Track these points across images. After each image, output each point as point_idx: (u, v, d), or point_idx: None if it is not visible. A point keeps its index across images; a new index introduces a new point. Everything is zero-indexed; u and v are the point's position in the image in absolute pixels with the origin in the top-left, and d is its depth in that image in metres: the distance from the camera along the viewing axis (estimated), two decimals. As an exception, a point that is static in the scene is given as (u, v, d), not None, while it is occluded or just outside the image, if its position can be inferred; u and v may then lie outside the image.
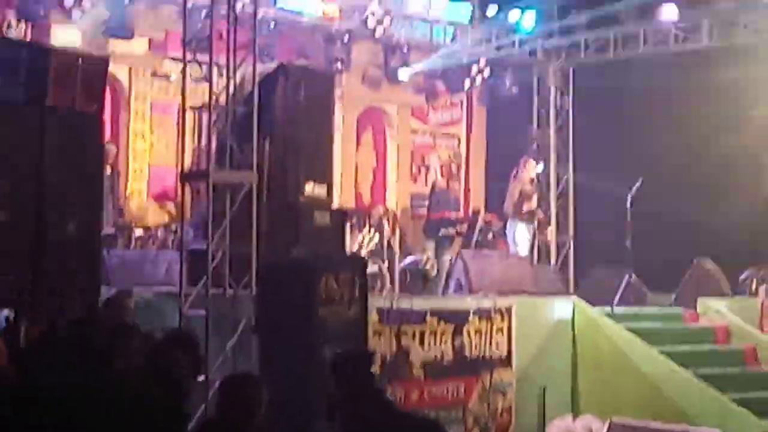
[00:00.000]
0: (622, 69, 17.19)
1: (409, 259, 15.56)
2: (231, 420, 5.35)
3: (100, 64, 9.06)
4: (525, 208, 15.33)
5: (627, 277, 14.68)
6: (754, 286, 15.37)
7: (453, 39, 18.19)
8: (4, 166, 8.17)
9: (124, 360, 5.65)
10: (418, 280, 14.93)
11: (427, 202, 17.15)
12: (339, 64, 16.41)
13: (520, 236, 15.49)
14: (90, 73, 8.69)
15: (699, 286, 15.10)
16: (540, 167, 16.77)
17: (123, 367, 5.60)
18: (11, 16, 14.40)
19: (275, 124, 11.39)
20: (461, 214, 17.03)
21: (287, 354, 9.45)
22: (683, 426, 11.75)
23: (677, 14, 16.40)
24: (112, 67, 12.85)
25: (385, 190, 19.08)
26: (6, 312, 7.51)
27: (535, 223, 15.89)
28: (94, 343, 6.09)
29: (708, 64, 16.37)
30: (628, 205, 15.04)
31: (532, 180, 15.72)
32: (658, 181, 15.52)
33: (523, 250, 15.49)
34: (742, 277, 15.61)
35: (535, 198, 15.51)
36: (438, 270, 15.14)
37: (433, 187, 17.88)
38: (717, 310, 14.53)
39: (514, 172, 15.84)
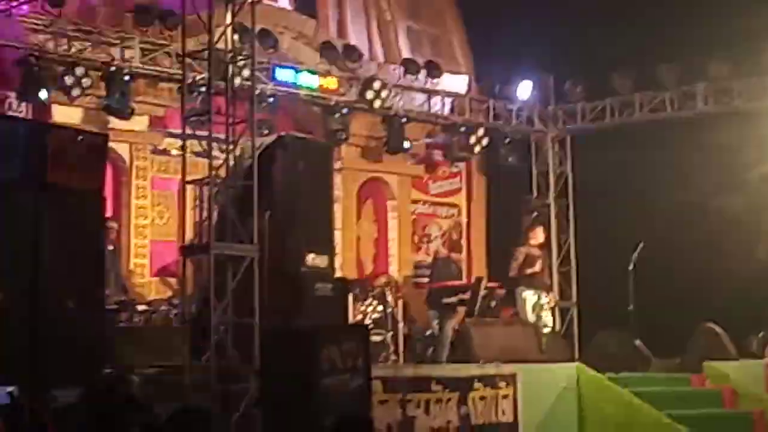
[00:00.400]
0: (619, 134, 17.31)
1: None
2: None
3: (100, 139, 9.11)
4: (528, 271, 15.28)
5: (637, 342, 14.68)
6: (755, 347, 15.33)
7: (451, 110, 18.33)
8: (0, 245, 8.17)
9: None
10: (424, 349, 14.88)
11: (429, 272, 17.13)
12: (338, 136, 16.49)
13: (528, 303, 15.38)
14: (90, 150, 8.73)
15: (705, 350, 15.02)
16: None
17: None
18: (12, 97, 14.55)
19: (275, 196, 11.46)
20: (464, 282, 17.00)
21: (291, 427, 9.41)
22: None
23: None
24: (113, 144, 12.97)
25: (387, 260, 19.08)
26: (10, 388, 7.50)
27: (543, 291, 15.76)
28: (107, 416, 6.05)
29: (704, 127, 16.48)
30: (630, 268, 15.05)
31: (540, 246, 15.66)
32: (659, 244, 15.53)
33: (531, 317, 15.36)
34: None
35: (539, 263, 15.44)
36: (442, 339, 15.08)
37: (435, 257, 17.90)
38: (724, 374, 14.45)
39: (523, 238, 15.88)
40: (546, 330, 15.17)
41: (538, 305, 15.28)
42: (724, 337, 15.28)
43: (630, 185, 16.69)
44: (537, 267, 15.40)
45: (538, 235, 15.72)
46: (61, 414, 7.61)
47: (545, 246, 15.90)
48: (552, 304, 15.83)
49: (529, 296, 15.33)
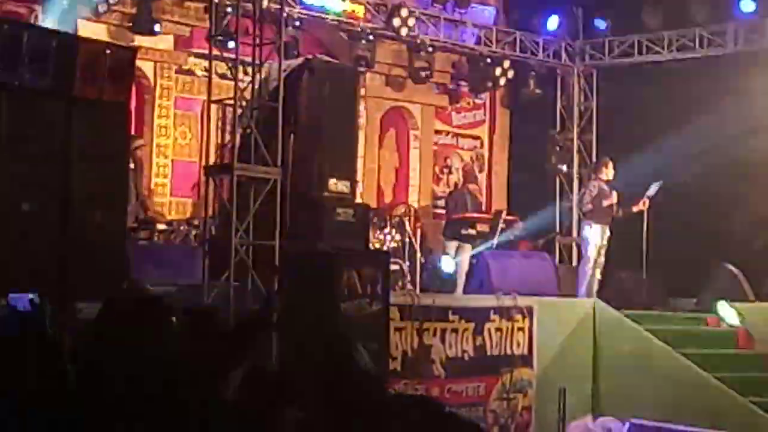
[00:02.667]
0: (645, 72, 17.18)
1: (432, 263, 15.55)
2: None
3: (128, 54, 9.10)
4: (605, 203, 15.10)
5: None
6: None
7: (477, 41, 18.21)
8: (31, 155, 8.21)
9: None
10: (438, 279, 14.91)
11: (449, 203, 17.12)
12: (363, 63, 16.41)
13: (594, 237, 15.27)
14: (118, 64, 8.72)
15: (722, 290, 15.03)
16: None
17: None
18: (38, 11, 14.50)
19: (300, 119, 11.43)
20: (483, 214, 16.99)
21: (309, 349, 9.45)
22: (703, 429, 11.73)
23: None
24: (138, 62, 12.93)
25: (407, 190, 19.07)
26: (30, 295, 7.54)
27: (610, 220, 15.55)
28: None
29: (733, 69, 16.35)
30: (646, 207, 15.01)
31: (608, 181, 15.46)
32: (680, 184, 15.48)
33: (593, 253, 15.23)
34: None
35: (614, 194, 15.24)
36: (459, 269, 15.11)
37: (455, 188, 17.88)
38: (739, 314, 14.47)
39: (593, 172, 15.75)
40: (599, 272, 15.11)
41: (602, 244, 15.17)
42: (741, 278, 15.28)
43: (654, 123, 16.57)
44: (613, 198, 15.19)
45: (609, 170, 15.48)
46: (82, 327, 7.65)
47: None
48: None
49: (597, 232, 15.17)
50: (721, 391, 12.54)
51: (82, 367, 4.71)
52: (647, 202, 15.01)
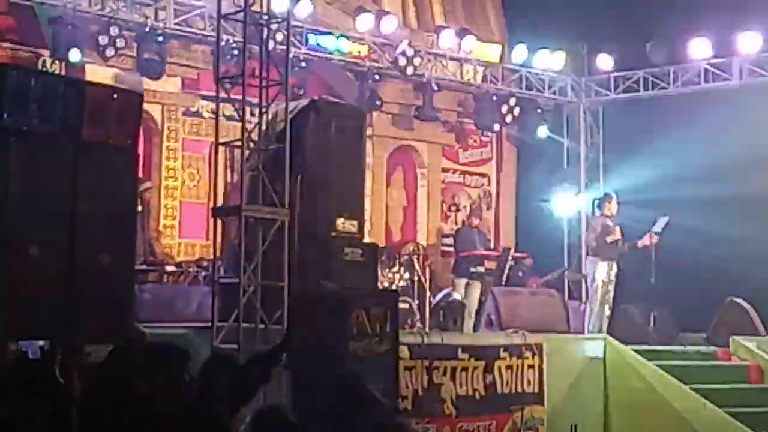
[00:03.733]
0: (651, 106, 17.22)
1: (441, 294, 15.51)
2: None
3: (135, 98, 9.13)
4: (609, 240, 15.12)
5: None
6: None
7: (483, 79, 18.27)
8: (39, 199, 8.23)
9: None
10: (450, 316, 14.87)
11: (457, 240, 17.12)
12: (370, 102, 16.48)
13: (600, 273, 15.27)
14: (125, 108, 8.76)
15: (732, 326, 14.98)
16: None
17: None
18: (45, 55, 14.60)
19: (307, 159, 11.44)
20: (491, 251, 17.00)
21: (318, 389, 9.42)
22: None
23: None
24: (145, 106, 12.99)
25: (415, 228, 19.09)
26: (40, 342, 7.56)
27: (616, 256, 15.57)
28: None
29: (738, 100, 16.38)
30: (653, 242, 15.01)
31: (612, 216, 15.49)
32: (688, 218, 15.48)
33: (600, 290, 15.20)
34: None
35: (618, 230, 15.27)
36: (468, 307, 15.09)
37: (462, 225, 17.89)
38: (749, 349, 14.41)
39: (598, 209, 15.78)
40: (607, 308, 15.08)
41: (608, 280, 15.15)
42: (751, 313, 15.23)
43: (660, 158, 16.57)
44: (617, 234, 15.21)
45: (612, 206, 15.52)
46: (91, 371, 7.65)
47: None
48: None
49: (603, 269, 15.16)
50: (734, 426, 12.45)
51: (86, 411, 4.72)
52: (654, 236, 15.00)
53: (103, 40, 14.17)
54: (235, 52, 13.04)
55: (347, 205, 11.73)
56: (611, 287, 15.14)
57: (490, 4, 20.06)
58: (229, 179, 12.71)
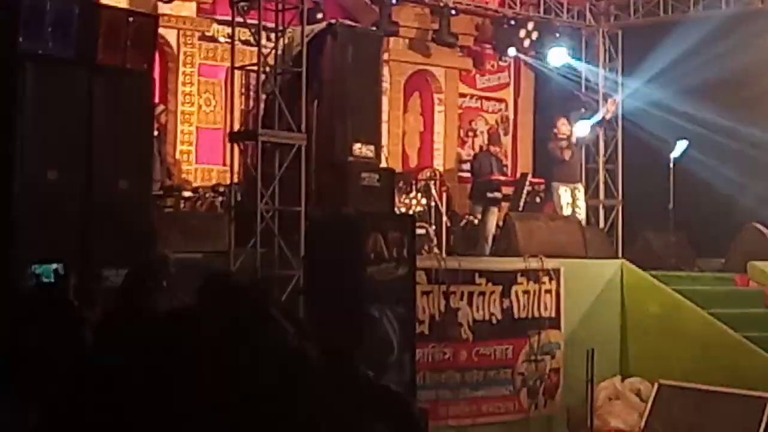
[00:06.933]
0: (671, 31, 16.99)
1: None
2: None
3: (151, 21, 9.08)
4: (566, 156, 15.41)
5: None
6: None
7: (501, 2, 18.07)
8: (55, 124, 8.22)
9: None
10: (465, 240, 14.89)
11: (474, 166, 17.08)
12: (387, 27, 16.32)
13: (563, 198, 15.46)
14: (140, 32, 8.71)
15: (750, 250, 14.93)
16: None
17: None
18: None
19: (323, 84, 11.40)
20: (508, 177, 16.94)
21: (335, 313, 9.47)
22: (732, 389, 11.71)
23: None
24: (161, 30, 12.92)
25: (432, 154, 19.03)
26: (55, 265, 7.58)
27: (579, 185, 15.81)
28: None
29: (759, 24, 16.17)
30: (671, 165, 14.95)
31: (567, 136, 15.67)
32: (706, 144, 15.38)
33: (567, 211, 15.43)
34: None
35: (568, 152, 15.49)
36: (485, 233, 15.09)
37: (480, 151, 17.83)
38: (767, 274, 14.38)
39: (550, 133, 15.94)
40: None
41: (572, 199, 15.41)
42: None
43: (680, 83, 16.41)
44: (566, 155, 15.43)
45: (561, 125, 15.77)
46: (109, 295, 7.67)
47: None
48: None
49: (563, 191, 15.40)
50: (751, 350, 12.47)
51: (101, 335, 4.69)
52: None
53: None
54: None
55: (364, 130, 11.70)
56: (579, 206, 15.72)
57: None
58: (245, 105, 12.64)
